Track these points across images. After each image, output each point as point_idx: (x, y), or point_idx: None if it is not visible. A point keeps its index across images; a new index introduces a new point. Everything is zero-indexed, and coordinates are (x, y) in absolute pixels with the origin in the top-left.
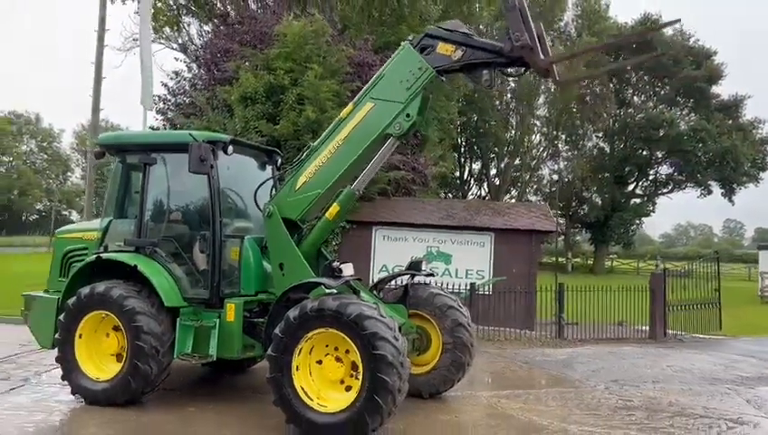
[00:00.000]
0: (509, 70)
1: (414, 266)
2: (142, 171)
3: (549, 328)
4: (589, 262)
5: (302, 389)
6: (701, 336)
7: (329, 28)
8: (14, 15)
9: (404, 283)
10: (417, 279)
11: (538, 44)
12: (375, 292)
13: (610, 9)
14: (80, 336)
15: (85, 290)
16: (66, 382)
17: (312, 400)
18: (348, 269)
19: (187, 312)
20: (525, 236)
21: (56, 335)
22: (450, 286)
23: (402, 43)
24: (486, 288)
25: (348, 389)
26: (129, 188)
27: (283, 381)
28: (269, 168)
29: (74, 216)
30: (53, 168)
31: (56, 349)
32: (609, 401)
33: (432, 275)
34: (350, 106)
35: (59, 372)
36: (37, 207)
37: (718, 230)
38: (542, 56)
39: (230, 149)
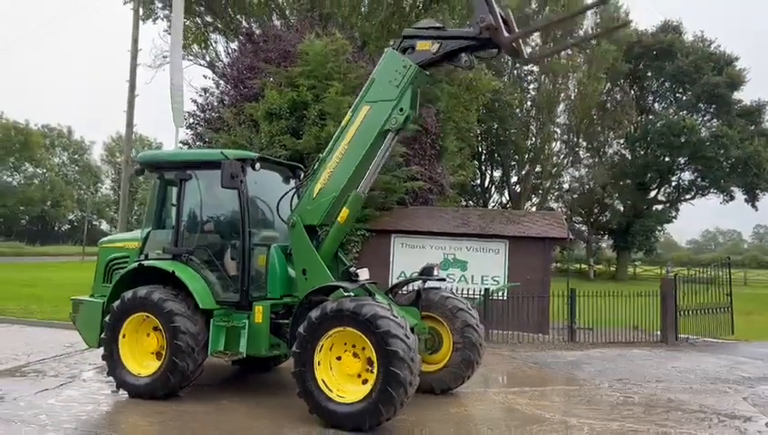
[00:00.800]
0: (485, 53)
1: (426, 272)
2: (178, 186)
3: (562, 332)
4: (611, 269)
5: (324, 382)
6: (713, 340)
7: (349, 46)
8: (46, 32)
9: (417, 287)
10: (429, 284)
11: (502, 24)
12: (390, 295)
13: (630, 17)
14: (123, 336)
15: (128, 294)
16: (111, 378)
17: (332, 392)
18: (364, 274)
19: (220, 313)
20: (539, 244)
21: (102, 335)
22: (466, 292)
23: (385, 50)
24: (501, 294)
25: (364, 382)
26: (166, 201)
27: (306, 375)
28: (292, 181)
29: (104, 225)
30: (84, 179)
31: (102, 348)
32: (610, 398)
33: (443, 280)
34: (348, 114)
35: (103, 369)
36: (69, 218)
37: (748, 236)
38: (506, 34)
39: (257, 165)
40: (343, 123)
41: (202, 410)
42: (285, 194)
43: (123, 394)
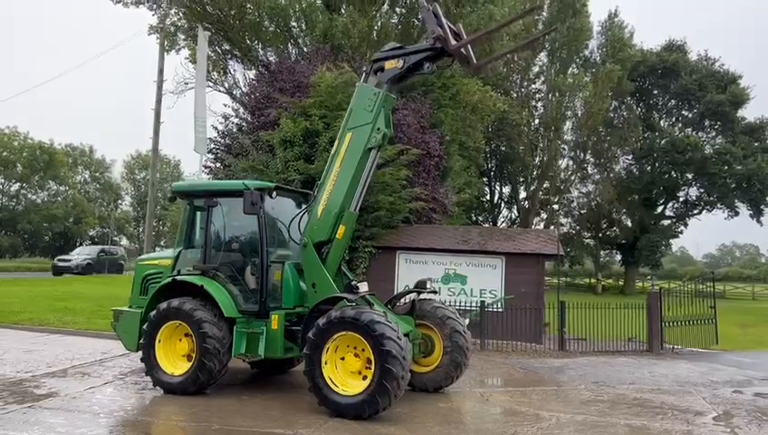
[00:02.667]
0: (443, 62)
1: (420, 285)
2: (206, 212)
3: (556, 342)
4: (620, 283)
5: (330, 379)
6: (697, 350)
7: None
8: (67, 49)
9: (412, 298)
10: (422, 296)
11: (449, 34)
12: (389, 306)
13: (634, 36)
14: (159, 341)
15: (163, 305)
16: (149, 377)
17: (337, 386)
18: (363, 286)
19: (241, 321)
20: (533, 259)
21: (140, 341)
22: (465, 305)
23: (356, 84)
24: (498, 306)
25: (364, 378)
26: (195, 225)
27: (315, 373)
28: (304, 206)
29: (124, 241)
30: (105, 196)
31: (140, 351)
32: (582, 396)
33: (435, 292)
34: (336, 143)
35: (139, 370)
36: (90, 234)
37: (765, 250)
38: (453, 42)
39: (274, 193)
40: (332, 151)
41: (226, 402)
42: (294, 218)
43: (159, 391)
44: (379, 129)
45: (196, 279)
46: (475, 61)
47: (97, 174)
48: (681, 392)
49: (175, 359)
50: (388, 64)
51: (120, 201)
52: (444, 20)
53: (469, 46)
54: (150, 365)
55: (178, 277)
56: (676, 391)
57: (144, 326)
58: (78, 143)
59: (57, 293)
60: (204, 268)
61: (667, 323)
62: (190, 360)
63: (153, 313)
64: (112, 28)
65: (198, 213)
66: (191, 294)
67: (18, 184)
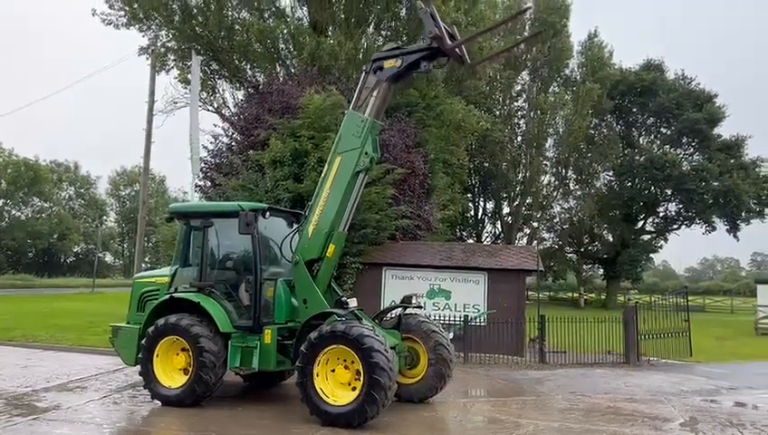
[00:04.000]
0: (439, 61)
1: (406, 300)
2: (202, 232)
3: (537, 355)
4: (602, 297)
5: (321, 390)
6: (673, 361)
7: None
8: (56, 62)
9: (398, 313)
10: (408, 310)
11: (446, 34)
12: (377, 320)
13: (614, 56)
14: (157, 356)
15: (161, 321)
16: (147, 390)
17: (328, 397)
18: (353, 302)
19: (236, 336)
20: (514, 275)
21: (139, 355)
22: (449, 319)
23: (345, 112)
24: (481, 320)
25: (353, 389)
26: (191, 244)
27: (307, 384)
28: (295, 226)
29: (108, 257)
30: (90, 212)
31: (137, 366)
32: (559, 405)
33: (420, 307)
34: (326, 166)
35: (136, 384)
36: (74, 250)
37: (746, 264)
38: (449, 42)
39: (267, 214)
40: (323, 174)
41: (222, 413)
42: (286, 237)
43: (157, 403)
44: (366, 153)
45: (193, 296)
46: (468, 60)
47: (82, 190)
48: (653, 401)
49: (172, 372)
50: (388, 63)
51: (104, 217)
52: (440, 21)
53: (463, 47)
54: (149, 379)
55: (176, 294)
56: (649, 400)
57: (142, 341)
58: (63, 159)
59: (46, 310)
60: (200, 285)
61: (643, 336)
62: (187, 373)
63: (151, 328)
64: (100, 43)
65: (194, 233)
66: (188, 311)
67: (2, 200)
